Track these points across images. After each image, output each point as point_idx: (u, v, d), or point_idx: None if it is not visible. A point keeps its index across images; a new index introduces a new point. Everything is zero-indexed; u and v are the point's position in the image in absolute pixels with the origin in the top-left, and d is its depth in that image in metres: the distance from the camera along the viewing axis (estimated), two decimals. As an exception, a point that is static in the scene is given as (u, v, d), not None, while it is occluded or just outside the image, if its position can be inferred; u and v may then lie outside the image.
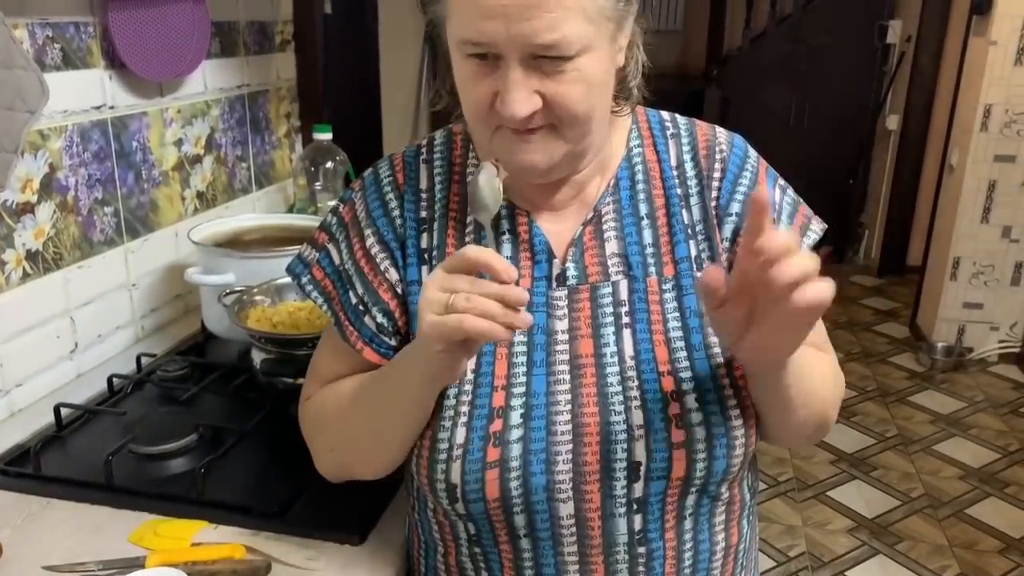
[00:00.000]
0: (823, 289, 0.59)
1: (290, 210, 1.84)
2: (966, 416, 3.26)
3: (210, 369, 1.34)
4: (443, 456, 0.77)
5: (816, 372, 0.81)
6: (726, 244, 0.82)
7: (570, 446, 0.76)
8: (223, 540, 0.94)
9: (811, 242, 0.84)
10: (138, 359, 1.35)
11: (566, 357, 0.79)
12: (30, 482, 1.05)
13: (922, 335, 3.82)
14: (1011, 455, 2.98)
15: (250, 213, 1.70)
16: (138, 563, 0.89)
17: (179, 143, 1.55)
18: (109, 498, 1.01)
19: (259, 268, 1.34)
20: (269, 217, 1.62)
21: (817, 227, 0.86)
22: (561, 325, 0.80)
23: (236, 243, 1.47)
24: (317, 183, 1.78)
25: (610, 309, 0.80)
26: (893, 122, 4.61)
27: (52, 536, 0.95)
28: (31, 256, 1.23)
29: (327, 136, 1.79)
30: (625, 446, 0.76)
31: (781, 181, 0.87)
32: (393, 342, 0.84)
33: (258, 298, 1.29)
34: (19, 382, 1.23)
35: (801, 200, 0.87)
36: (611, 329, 0.79)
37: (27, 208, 1.22)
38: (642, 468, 0.76)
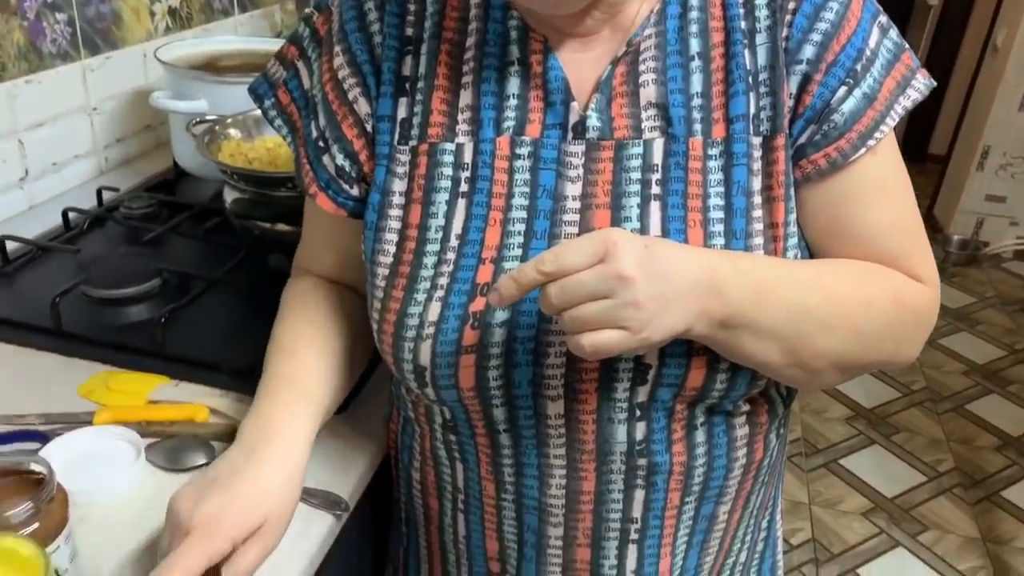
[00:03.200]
0: (577, 344, 0.53)
1: (277, 37, 1.63)
2: (975, 312, 3.17)
3: (180, 209, 1.19)
4: (411, 334, 0.64)
5: (808, 324, 0.61)
6: (791, 103, 0.63)
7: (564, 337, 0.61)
8: (184, 399, 0.83)
9: (911, 103, 0.65)
10: (99, 193, 1.20)
11: (575, 230, 0.63)
12: (-32, 322, 0.92)
13: (938, 226, 3.68)
14: (1017, 353, 2.91)
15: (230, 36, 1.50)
16: (86, 419, 0.79)
17: (146, -55, 1.34)
18: (57, 344, 0.90)
19: (235, 96, 1.16)
20: (251, 41, 1.42)
21: (922, 82, 0.66)
22: (573, 189, 0.64)
23: (211, 67, 1.29)
24: (308, 8, 1.57)
25: (637, 175, 0.63)
26: (935, -4, 4.28)
27: (-10, 383, 0.84)
28: (-34, 63, 1.05)
29: (320, -47, 1.56)
30: None
31: (883, 18, 0.67)
32: (354, 191, 0.70)
33: (232, 131, 1.13)
34: (-41, 209, 1.09)
35: (906, 46, 0.67)
36: (635, 200, 0.63)
37: (-42, 3, 1.03)
38: (651, 372, 0.62)
